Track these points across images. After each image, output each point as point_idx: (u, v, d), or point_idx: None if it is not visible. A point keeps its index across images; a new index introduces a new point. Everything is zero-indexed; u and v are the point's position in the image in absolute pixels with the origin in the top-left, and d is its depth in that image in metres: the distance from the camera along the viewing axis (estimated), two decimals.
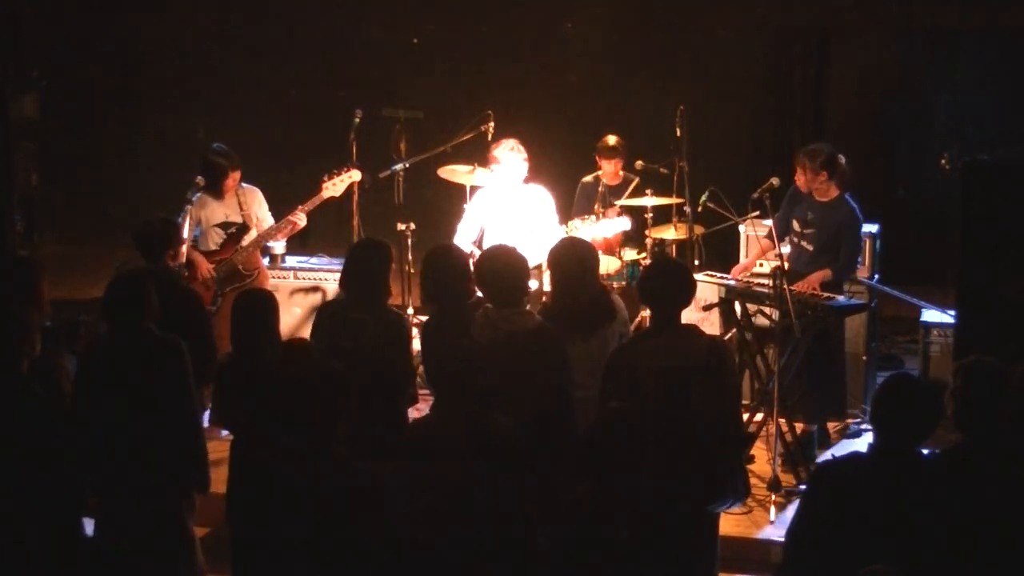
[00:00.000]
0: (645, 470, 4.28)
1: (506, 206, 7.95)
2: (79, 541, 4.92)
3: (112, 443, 5.30)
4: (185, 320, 5.95)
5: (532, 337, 5.24)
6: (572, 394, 5.27)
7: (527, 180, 8.03)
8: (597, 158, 8.81)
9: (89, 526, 5.33)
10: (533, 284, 6.97)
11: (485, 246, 7.86)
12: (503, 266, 5.45)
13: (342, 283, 5.85)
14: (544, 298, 7.49)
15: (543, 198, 8.02)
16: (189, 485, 5.48)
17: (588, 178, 8.94)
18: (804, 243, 7.52)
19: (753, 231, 8.01)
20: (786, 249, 7.61)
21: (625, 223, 8.06)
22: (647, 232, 8.34)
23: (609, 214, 8.15)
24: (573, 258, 5.68)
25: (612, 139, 8.76)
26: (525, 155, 7.91)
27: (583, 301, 5.61)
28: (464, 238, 8.01)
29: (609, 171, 8.76)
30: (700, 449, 4.95)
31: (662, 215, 8.55)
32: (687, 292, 5.28)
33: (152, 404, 5.24)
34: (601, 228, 7.94)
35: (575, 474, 4.82)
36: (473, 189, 8.22)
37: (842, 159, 7.50)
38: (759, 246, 7.85)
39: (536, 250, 7.74)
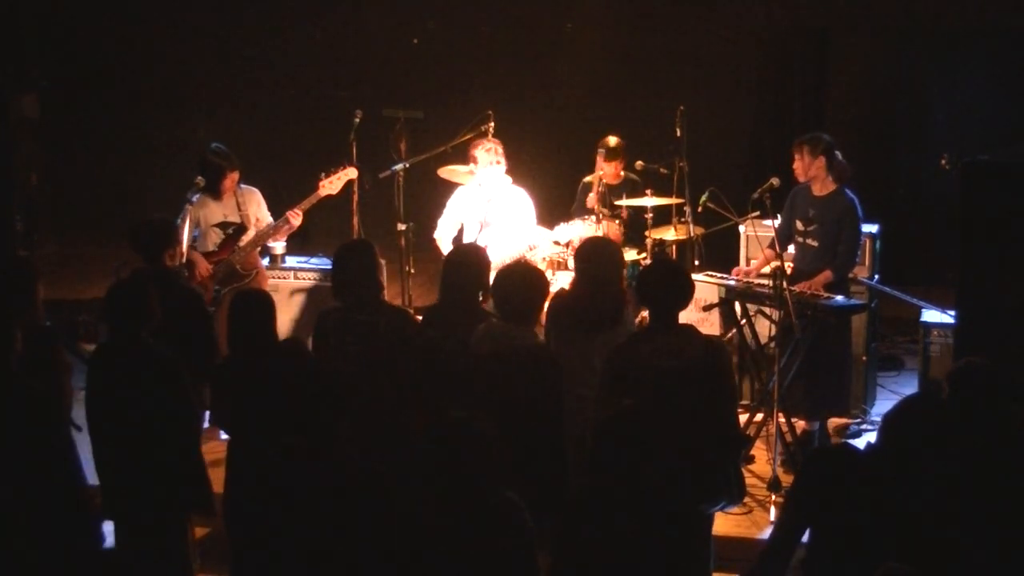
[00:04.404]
0: (645, 469, 4.29)
1: (484, 206, 7.98)
2: (90, 542, 4.91)
3: (111, 451, 5.29)
4: (186, 319, 5.94)
5: (529, 354, 5.23)
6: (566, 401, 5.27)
7: (513, 181, 8.06)
8: (597, 159, 8.81)
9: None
10: None
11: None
12: (520, 283, 5.40)
13: (337, 289, 5.82)
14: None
15: (522, 201, 8.05)
16: (187, 505, 5.43)
17: (589, 178, 8.94)
18: (808, 240, 7.51)
19: (753, 231, 8.00)
20: (790, 251, 7.61)
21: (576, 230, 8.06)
22: (647, 232, 8.33)
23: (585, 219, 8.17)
24: (602, 257, 5.69)
25: (612, 140, 8.76)
26: (500, 157, 7.97)
27: (600, 301, 5.61)
28: (445, 234, 8.04)
29: (609, 172, 8.76)
30: (695, 449, 4.95)
31: (662, 215, 8.55)
32: (685, 294, 5.28)
33: (148, 415, 5.21)
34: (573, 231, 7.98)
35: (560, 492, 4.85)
36: None
37: (838, 153, 7.51)
38: (763, 256, 7.83)
39: (506, 251, 7.77)
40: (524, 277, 5.45)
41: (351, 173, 8.05)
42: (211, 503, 5.40)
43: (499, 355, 5.17)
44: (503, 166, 8.02)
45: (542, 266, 7.91)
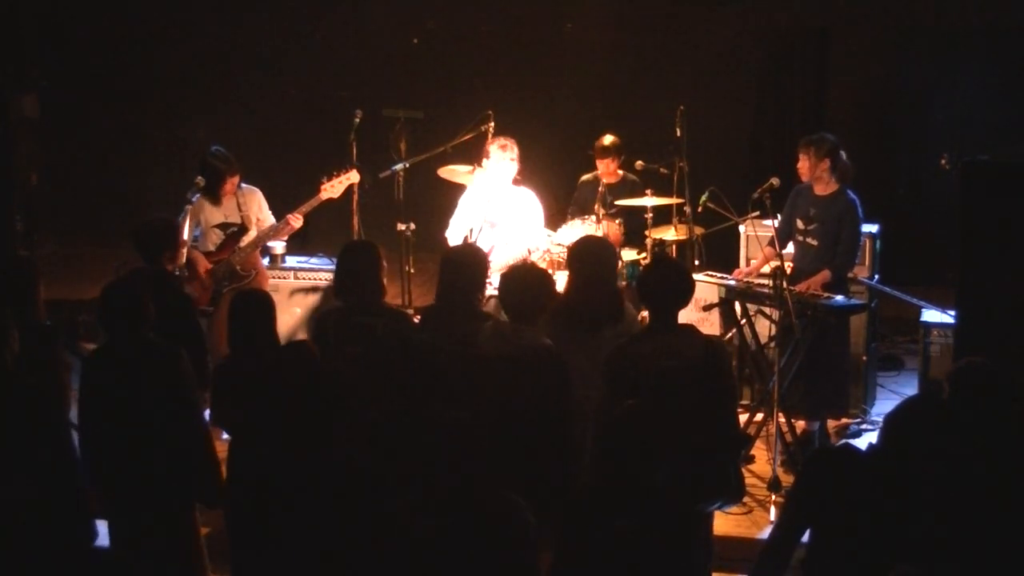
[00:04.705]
0: (651, 469, 4.29)
1: (492, 206, 7.97)
2: (87, 538, 4.91)
3: (115, 452, 5.28)
4: (177, 324, 5.93)
5: (536, 353, 5.23)
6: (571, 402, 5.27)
7: (517, 182, 8.04)
8: (594, 157, 8.82)
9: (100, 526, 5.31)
10: None
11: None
12: (525, 283, 5.41)
13: (339, 289, 5.82)
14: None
15: (529, 202, 8.03)
16: (195, 496, 5.43)
17: (587, 176, 8.94)
18: (809, 239, 7.51)
19: (753, 231, 8.00)
20: (790, 250, 7.61)
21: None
22: (647, 232, 8.33)
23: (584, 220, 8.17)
24: (596, 257, 5.68)
25: (608, 139, 8.75)
26: (514, 155, 7.90)
27: (596, 300, 5.61)
28: (456, 234, 8.03)
29: (604, 171, 8.75)
30: (695, 449, 4.95)
31: (662, 215, 8.55)
32: (685, 293, 5.28)
33: (153, 413, 5.21)
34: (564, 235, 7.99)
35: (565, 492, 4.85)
36: None
37: (843, 153, 7.52)
38: (763, 254, 7.82)
39: (506, 253, 7.77)
40: (529, 277, 5.45)
41: (353, 177, 8.03)
42: (213, 495, 5.39)
43: (506, 355, 5.17)
44: (516, 165, 7.96)
45: (542, 266, 7.91)
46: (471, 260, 5.78)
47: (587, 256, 5.71)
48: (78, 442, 5.30)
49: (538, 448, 5.06)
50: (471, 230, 7.96)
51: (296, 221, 7.86)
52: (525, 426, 4.98)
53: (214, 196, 7.76)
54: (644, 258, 8.27)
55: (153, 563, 5.21)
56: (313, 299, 8.42)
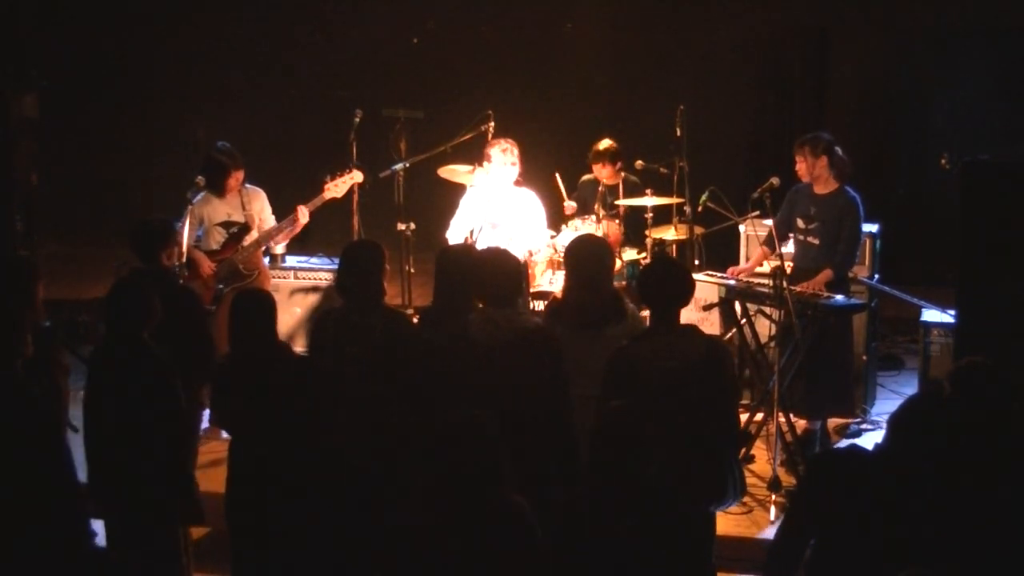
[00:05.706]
0: (646, 469, 4.28)
1: (494, 207, 7.96)
2: (84, 541, 4.91)
3: (107, 451, 5.29)
4: (182, 318, 5.93)
5: (530, 336, 5.24)
6: (573, 392, 5.26)
7: (519, 183, 8.03)
8: (590, 163, 8.82)
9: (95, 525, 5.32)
10: None
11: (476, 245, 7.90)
12: (497, 267, 5.42)
13: (339, 288, 5.82)
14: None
15: (532, 203, 8.03)
16: (176, 518, 5.42)
17: (587, 177, 8.94)
18: (810, 238, 7.51)
19: (753, 231, 8.01)
20: (789, 248, 7.61)
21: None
22: (647, 232, 8.33)
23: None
24: (591, 256, 5.68)
25: (603, 144, 8.74)
26: (515, 159, 7.91)
27: (596, 300, 5.60)
28: (456, 234, 8.03)
29: (600, 174, 8.75)
30: (698, 448, 4.96)
31: (662, 215, 8.55)
32: (686, 292, 5.28)
33: (145, 419, 5.21)
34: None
35: (575, 471, 4.85)
36: None
37: (839, 149, 7.52)
38: (760, 251, 7.83)
39: (519, 253, 7.76)
40: (498, 261, 5.43)
41: (356, 177, 8.03)
42: (200, 514, 5.40)
43: (501, 342, 5.16)
44: (517, 168, 7.96)
45: (543, 267, 7.91)
46: (466, 259, 5.78)
47: (583, 255, 5.71)
48: (85, 439, 5.32)
49: (538, 442, 5.05)
50: (472, 230, 7.95)
51: (303, 216, 7.84)
52: (527, 417, 4.98)
53: (218, 191, 7.76)
54: (644, 258, 8.27)
55: (138, 563, 5.21)
56: (313, 299, 8.42)
